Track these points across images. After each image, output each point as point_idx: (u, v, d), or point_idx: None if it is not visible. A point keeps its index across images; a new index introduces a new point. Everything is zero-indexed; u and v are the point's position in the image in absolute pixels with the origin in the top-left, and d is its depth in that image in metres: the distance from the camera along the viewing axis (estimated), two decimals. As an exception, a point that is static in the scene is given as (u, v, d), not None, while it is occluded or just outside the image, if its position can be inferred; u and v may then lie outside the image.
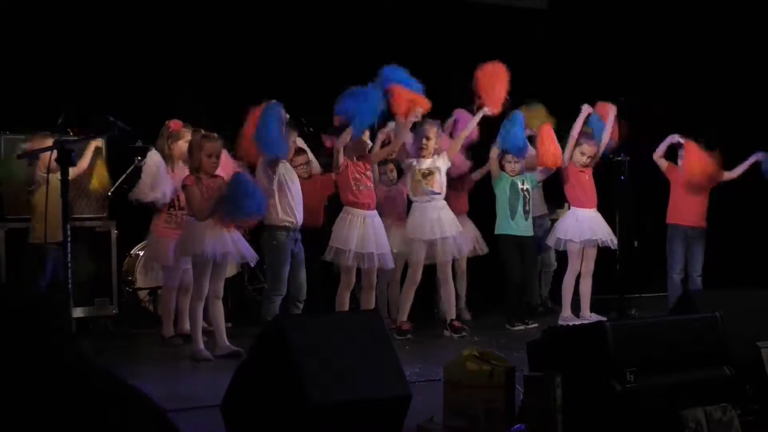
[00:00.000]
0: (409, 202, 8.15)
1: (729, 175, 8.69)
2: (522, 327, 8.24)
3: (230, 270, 7.97)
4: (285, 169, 7.15)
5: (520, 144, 8.28)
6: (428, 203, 7.89)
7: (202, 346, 6.90)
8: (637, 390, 4.24)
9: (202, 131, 7.12)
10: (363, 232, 7.47)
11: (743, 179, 8.82)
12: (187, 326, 7.31)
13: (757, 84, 10.34)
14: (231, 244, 6.89)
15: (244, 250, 6.99)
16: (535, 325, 8.18)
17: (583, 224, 8.43)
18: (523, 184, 8.39)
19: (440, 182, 7.90)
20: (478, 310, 9.19)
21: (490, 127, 8.30)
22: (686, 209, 8.65)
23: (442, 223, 7.87)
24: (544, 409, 4.32)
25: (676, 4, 10.60)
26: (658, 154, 8.62)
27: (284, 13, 9.73)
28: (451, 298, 8.08)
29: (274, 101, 7.00)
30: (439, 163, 7.91)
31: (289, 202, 7.12)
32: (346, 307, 7.57)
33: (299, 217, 7.18)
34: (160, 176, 7.43)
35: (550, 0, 11.11)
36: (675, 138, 8.52)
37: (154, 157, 7.50)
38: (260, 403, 4.23)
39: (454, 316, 8.06)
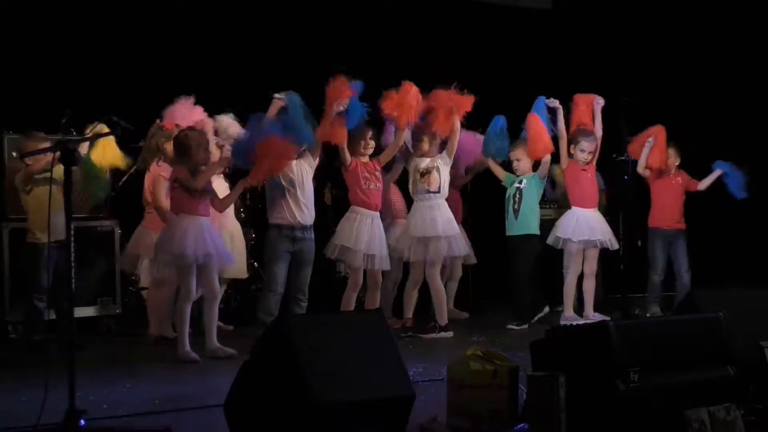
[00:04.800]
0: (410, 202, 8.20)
1: (700, 185, 8.80)
2: (525, 325, 8.26)
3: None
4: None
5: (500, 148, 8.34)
6: (425, 202, 7.89)
7: (188, 347, 6.84)
8: (640, 390, 4.23)
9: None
10: (371, 233, 7.49)
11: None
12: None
13: (758, 84, 10.33)
14: (211, 246, 6.87)
15: (222, 253, 7.00)
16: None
17: (583, 224, 8.42)
18: (521, 183, 8.42)
19: (438, 181, 7.89)
20: (480, 309, 9.20)
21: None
22: (664, 212, 8.76)
23: (435, 222, 7.84)
24: (547, 408, 4.32)
25: (680, 3, 10.58)
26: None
27: (283, 13, 9.73)
28: (439, 298, 8.03)
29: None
30: (438, 162, 7.91)
31: (284, 201, 7.07)
32: (352, 307, 7.57)
33: (295, 217, 7.08)
34: None
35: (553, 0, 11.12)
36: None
37: None
38: (263, 403, 4.23)
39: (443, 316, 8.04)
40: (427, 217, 7.84)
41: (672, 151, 8.77)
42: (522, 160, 8.40)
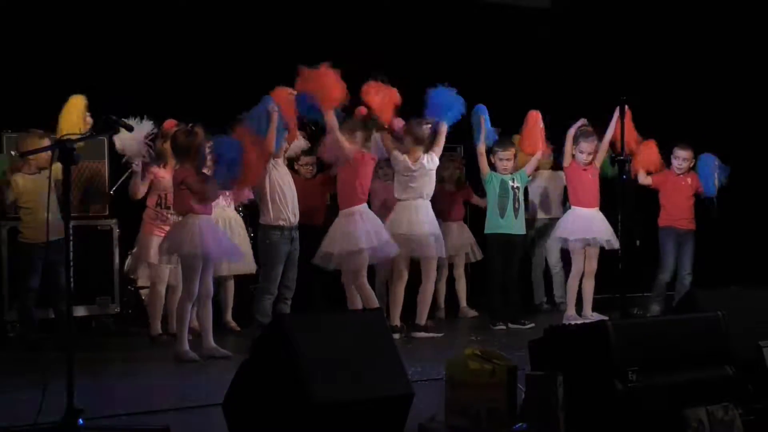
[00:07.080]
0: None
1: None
2: (503, 327, 8.22)
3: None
4: (277, 169, 7.11)
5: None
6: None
7: (187, 347, 6.83)
8: (639, 389, 4.23)
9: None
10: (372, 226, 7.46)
11: (742, 180, 8.83)
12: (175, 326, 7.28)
13: (759, 84, 10.34)
14: (225, 243, 6.91)
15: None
16: (532, 325, 8.21)
17: (585, 224, 8.43)
18: (513, 182, 8.39)
19: None
20: (480, 309, 9.20)
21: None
22: (677, 212, 8.73)
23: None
24: (545, 408, 4.31)
25: (680, 3, 10.58)
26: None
27: (284, 11, 9.72)
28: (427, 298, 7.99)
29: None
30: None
31: (282, 202, 7.06)
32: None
33: (293, 217, 7.11)
34: None
35: (552, -1, 11.14)
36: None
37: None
38: (262, 402, 4.23)
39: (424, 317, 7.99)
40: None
41: (686, 153, 8.71)
42: (511, 160, 8.38)
